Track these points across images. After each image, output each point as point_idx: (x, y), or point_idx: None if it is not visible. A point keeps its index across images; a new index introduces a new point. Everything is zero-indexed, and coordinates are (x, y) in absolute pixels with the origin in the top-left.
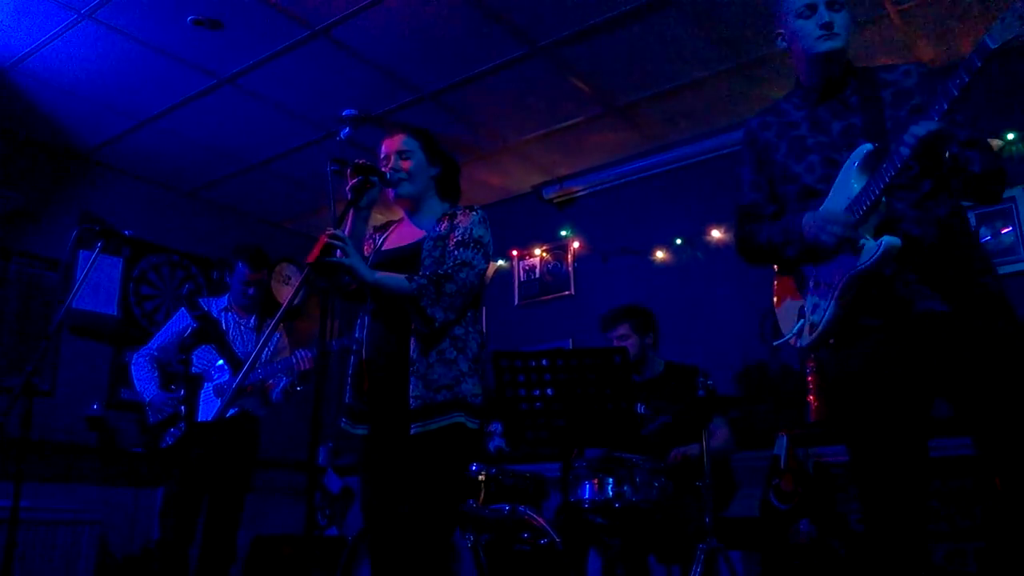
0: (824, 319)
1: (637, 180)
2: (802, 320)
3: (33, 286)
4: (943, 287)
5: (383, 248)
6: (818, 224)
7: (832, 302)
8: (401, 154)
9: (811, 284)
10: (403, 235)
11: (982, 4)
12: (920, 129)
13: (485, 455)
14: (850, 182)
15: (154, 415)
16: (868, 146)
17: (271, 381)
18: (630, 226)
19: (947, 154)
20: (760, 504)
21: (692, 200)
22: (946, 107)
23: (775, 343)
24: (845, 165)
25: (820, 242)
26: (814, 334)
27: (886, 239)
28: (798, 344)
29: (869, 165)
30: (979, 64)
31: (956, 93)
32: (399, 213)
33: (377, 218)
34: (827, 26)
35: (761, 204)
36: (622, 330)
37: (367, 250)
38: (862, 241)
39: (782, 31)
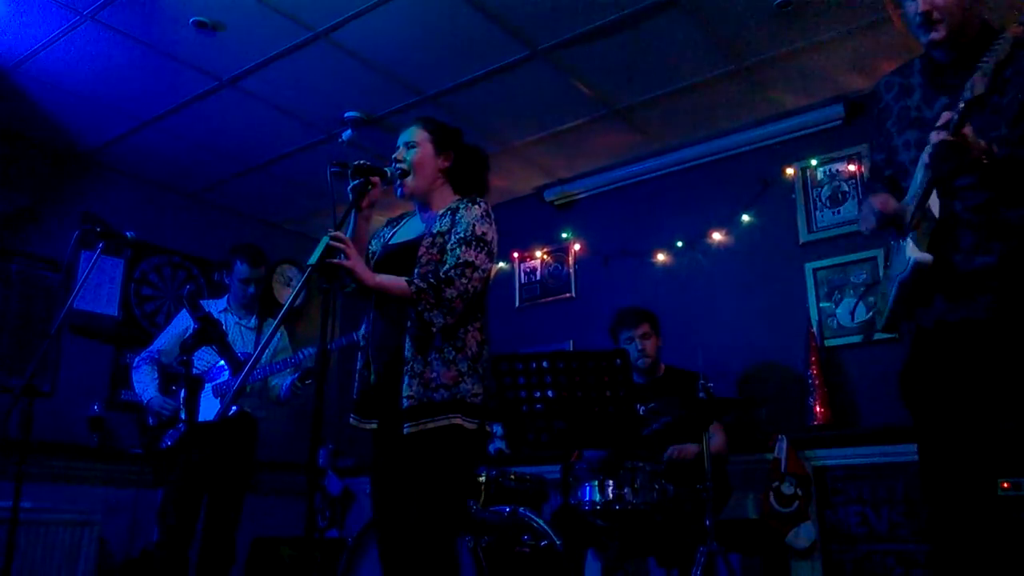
0: (886, 310)
1: (638, 183)
2: (878, 305)
3: (34, 287)
4: (991, 295)
5: (390, 242)
6: (862, 214)
7: (890, 296)
8: (408, 145)
9: (887, 271)
10: (411, 229)
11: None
12: (933, 136)
13: (485, 457)
14: (919, 175)
15: (152, 418)
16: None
17: (275, 380)
18: (631, 228)
19: (975, 156)
20: (760, 507)
21: (693, 203)
22: (956, 119)
23: (876, 326)
24: (923, 156)
25: (872, 221)
26: (882, 319)
27: (915, 257)
28: (877, 324)
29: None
30: (971, 96)
31: (962, 110)
32: (411, 207)
33: (381, 219)
34: (924, 15)
35: (880, 166)
36: (645, 328)
37: (375, 245)
38: (905, 252)
39: (900, 10)
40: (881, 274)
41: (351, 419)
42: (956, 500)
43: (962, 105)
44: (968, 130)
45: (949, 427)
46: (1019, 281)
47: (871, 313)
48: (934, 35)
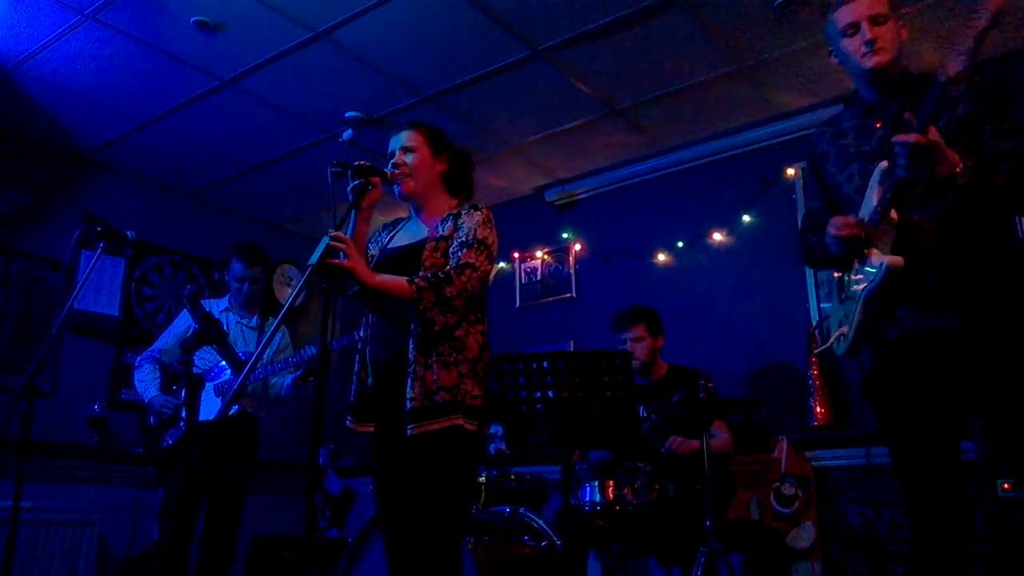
0: (851, 330)
1: (639, 183)
2: (840, 328)
3: (35, 286)
4: (956, 303)
5: (388, 246)
6: (828, 231)
7: (855, 315)
8: (405, 150)
9: (844, 294)
10: (409, 233)
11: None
12: (907, 138)
13: (486, 457)
14: (871, 196)
15: (153, 417)
16: (885, 164)
17: (275, 379)
18: (632, 228)
19: (943, 172)
20: (761, 507)
21: (694, 203)
22: (923, 120)
23: (817, 349)
24: (871, 180)
25: (831, 249)
26: (846, 343)
27: (887, 260)
28: (837, 351)
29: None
30: (932, 107)
31: (928, 114)
32: (406, 211)
33: (380, 220)
34: (871, 42)
35: (818, 211)
36: (638, 331)
37: (372, 249)
38: (871, 261)
39: (832, 50)
40: (834, 303)
41: (347, 422)
42: (932, 502)
43: (926, 101)
44: (937, 134)
45: (924, 435)
46: (982, 289)
47: (832, 340)
48: (879, 58)
